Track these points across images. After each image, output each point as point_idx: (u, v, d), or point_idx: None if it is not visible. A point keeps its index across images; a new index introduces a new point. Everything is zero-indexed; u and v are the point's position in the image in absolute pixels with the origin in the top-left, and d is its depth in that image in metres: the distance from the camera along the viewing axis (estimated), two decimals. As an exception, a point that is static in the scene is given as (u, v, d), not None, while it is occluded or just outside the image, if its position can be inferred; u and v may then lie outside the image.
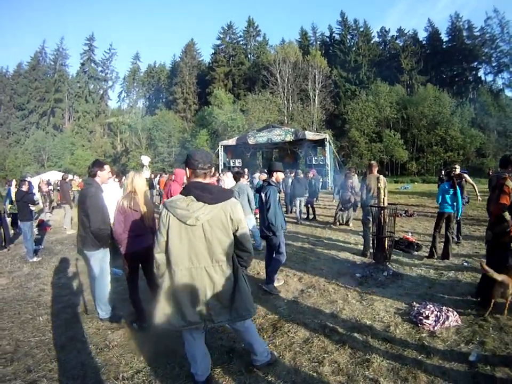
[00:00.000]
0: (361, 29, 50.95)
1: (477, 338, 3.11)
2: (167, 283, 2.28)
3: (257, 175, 12.20)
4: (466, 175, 7.21)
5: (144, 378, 2.67)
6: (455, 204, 5.64)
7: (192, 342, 2.45)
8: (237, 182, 6.47)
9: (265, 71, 43.76)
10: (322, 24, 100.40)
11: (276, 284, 4.64)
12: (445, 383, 2.51)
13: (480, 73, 46.46)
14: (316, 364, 2.79)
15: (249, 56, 56.18)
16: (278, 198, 4.38)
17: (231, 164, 24.83)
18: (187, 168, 2.33)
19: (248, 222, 6.34)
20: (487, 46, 43.73)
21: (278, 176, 4.58)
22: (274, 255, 4.54)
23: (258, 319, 3.63)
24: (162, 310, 2.26)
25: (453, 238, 6.24)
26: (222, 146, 26.10)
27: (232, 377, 2.63)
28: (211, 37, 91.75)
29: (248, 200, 6.34)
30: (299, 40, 54.79)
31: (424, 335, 3.22)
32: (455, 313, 3.52)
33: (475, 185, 7.46)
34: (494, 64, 43.96)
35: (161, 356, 2.95)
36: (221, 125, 39.51)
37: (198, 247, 2.22)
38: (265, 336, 3.27)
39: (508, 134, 34.20)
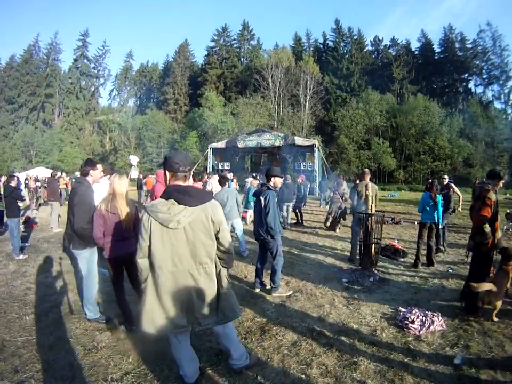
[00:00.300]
0: (355, 37, 51.45)
1: (462, 342, 3.20)
2: (151, 287, 2.25)
3: (249, 179, 12.23)
4: (454, 185, 7.40)
5: (133, 380, 2.66)
6: (435, 214, 5.77)
7: (177, 345, 2.45)
8: (222, 186, 6.47)
9: (258, 75, 43.73)
10: (316, 30, 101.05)
11: (267, 287, 4.69)
12: (430, 385, 2.57)
13: (471, 84, 47.41)
14: (304, 366, 2.83)
15: (242, 59, 56.27)
16: (276, 203, 4.42)
17: (220, 167, 24.80)
18: (166, 171, 2.29)
19: (237, 226, 6.42)
20: (478, 58, 44.45)
21: (276, 181, 4.61)
22: (273, 260, 4.56)
23: (246, 322, 3.66)
24: (148, 315, 2.23)
25: (437, 247, 6.42)
26: (211, 149, 26.05)
27: (222, 379, 2.64)
28: (205, 39, 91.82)
29: (237, 203, 6.38)
30: (293, 45, 55.09)
31: (410, 339, 3.30)
32: (440, 318, 3.61)
33: (460, 196, 7.68)
34: (484, 77, 44.74)
35: (150, 358, 2.94)
36: (211, 127, 39.29)
37: (181, 250, 2.20)
38: (253, 339, 3.30)
39: (495, 145, 34.94)
